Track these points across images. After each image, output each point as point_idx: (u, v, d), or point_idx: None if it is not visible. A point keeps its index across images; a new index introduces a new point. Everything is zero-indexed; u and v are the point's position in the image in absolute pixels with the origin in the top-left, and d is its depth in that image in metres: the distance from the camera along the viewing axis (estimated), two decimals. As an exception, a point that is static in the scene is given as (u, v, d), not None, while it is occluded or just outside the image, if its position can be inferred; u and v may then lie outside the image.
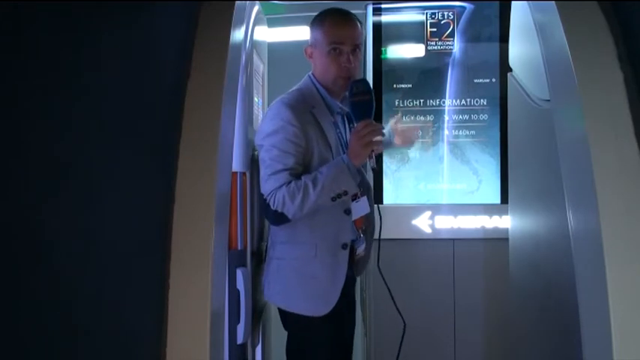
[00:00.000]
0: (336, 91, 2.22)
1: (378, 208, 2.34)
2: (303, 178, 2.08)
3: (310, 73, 2.26)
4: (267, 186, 2.11)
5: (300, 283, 2.18)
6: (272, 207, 2.09)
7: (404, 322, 2.21)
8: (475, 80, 3.24)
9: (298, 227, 2.15)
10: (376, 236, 2.34)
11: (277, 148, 2.10)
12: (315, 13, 2.28)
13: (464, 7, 3.26)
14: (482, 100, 3.22)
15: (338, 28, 2.16)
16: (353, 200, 2.20)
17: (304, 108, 2.15)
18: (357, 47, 2.18)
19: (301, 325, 2.21)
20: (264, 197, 2.12)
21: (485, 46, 3.24)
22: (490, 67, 3.23)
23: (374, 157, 2.10)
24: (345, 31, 2.15)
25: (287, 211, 2.08)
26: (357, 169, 2.12)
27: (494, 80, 3.21)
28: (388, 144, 2.48)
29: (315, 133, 2.14)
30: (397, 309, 2.24)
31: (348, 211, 2.18)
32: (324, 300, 2.16)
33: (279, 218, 2.11)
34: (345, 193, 2.09)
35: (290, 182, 2.07)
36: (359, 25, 2.22)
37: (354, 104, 2.12)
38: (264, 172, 2.13)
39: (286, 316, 2.25)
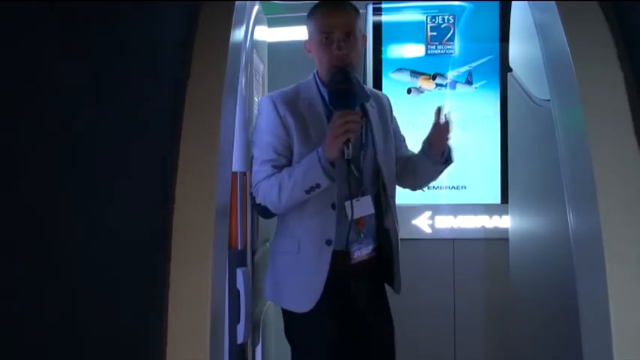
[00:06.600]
0: None
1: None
2: (283, 171, 2.06)
3: (315, 69, 2.20)
4: (252, 179, 2.13)
5: (287, 277, 2.13)
6: (256, 200, 2.11)
7: None
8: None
9: (287, 220, 2.13)
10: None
11: (262, 141, 2.11)
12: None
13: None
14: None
15: (327, 16, 2.10)
16: (353, 198, 2.08)
17: (292, 101, 2.11)
18: (350, 34, 2.08)
19: (292, 321, 2.14)
20: (251, 191, 2.14)
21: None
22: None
23: (350, 147, 1.98)
24: (334, 19, 2.09)
25: (269, 204, 2.08)
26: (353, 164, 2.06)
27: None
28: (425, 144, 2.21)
29: (301, 124, 2.09)
30: None
31: (334, 206, 2.07)
32: (307, 296, 2.07)
33: (264, 211, 2.13)
34: (318, 186, 2.00)
35: (271, 175, 2.06)
36: (352, 12, 2.13)
37: (329, 93, 2.07)
38: (253, 165, 2.15)
39: (282, 312, 2.19)
